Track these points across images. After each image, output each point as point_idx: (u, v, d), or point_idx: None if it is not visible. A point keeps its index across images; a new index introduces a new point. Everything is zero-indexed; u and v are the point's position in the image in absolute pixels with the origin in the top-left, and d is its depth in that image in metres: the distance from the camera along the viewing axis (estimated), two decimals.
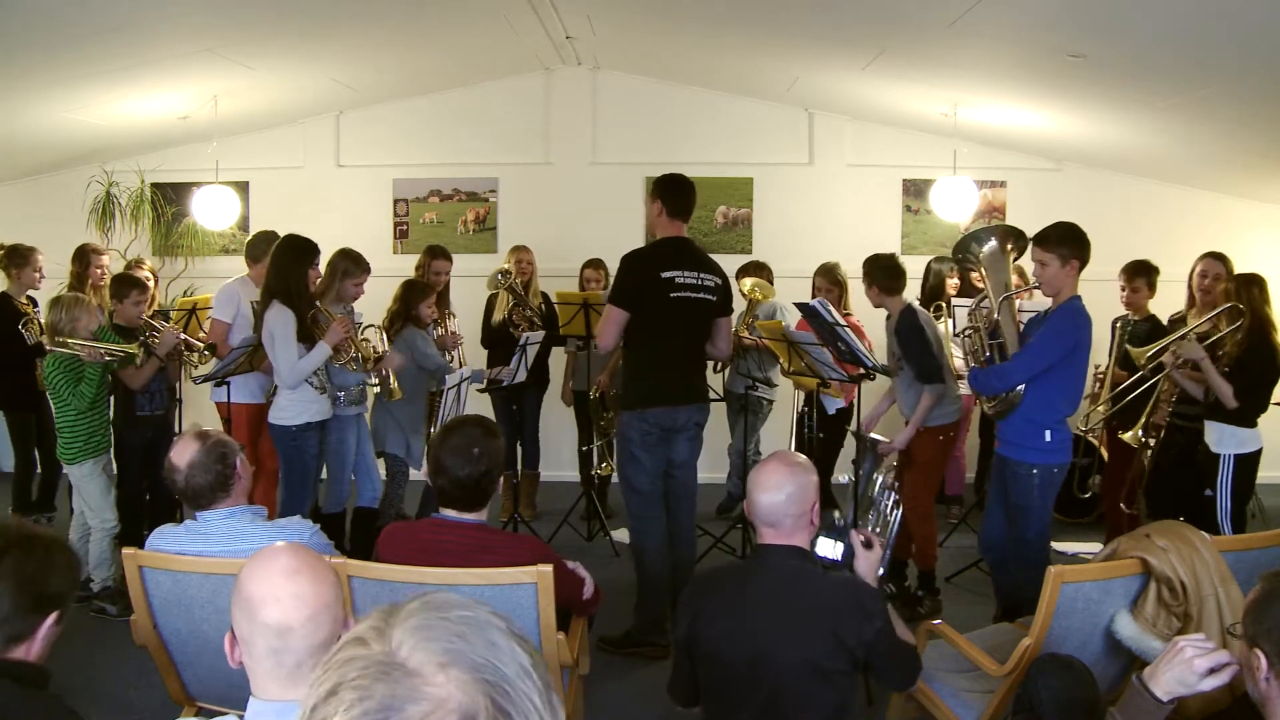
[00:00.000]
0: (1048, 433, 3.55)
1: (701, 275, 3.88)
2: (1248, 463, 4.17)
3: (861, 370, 4.16)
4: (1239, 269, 4.51)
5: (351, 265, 4.40)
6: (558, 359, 5.89)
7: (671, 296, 3.82)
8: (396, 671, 0.76)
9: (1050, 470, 3.57)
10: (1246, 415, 4.13)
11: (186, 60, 5.02)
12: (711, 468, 6.36)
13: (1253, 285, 4.16)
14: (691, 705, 2.41)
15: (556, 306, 5.37)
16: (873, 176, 6.75)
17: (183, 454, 2.52)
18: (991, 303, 3.77)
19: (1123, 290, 4.80)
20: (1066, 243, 3.53)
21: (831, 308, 4.16)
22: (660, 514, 3.98)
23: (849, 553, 2.42)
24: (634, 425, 3.90)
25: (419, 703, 0.74)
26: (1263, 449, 4.20)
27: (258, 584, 1.48)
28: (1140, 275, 4.75)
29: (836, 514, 2.53)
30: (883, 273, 4.28)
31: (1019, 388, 3.60)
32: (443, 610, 0.82)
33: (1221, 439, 4.19)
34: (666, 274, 3.82)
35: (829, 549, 2.41)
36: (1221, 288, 4.30)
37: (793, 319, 4.87)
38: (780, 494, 2.19)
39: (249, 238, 5.04)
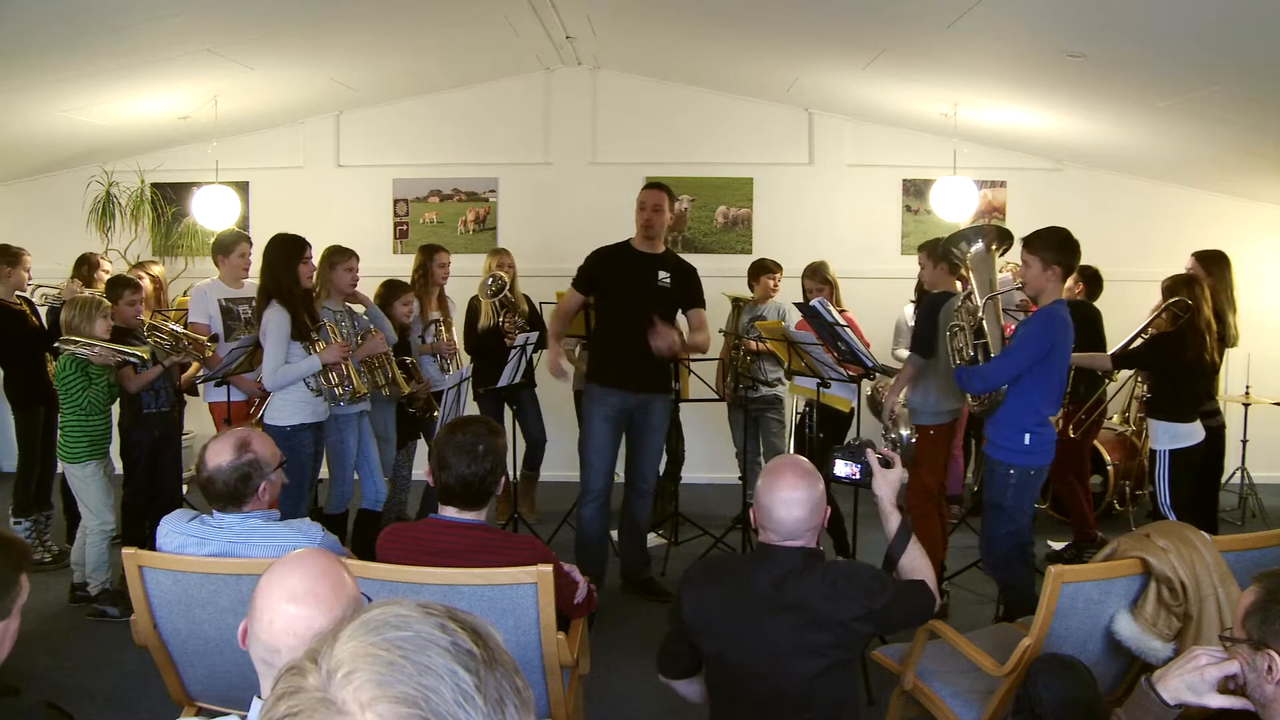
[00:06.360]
0: (1027, 436, 3.55)
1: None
2: (1182, 457, 4.25)
3: (862, 370, 4.16)
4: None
5: (336, 255, 4.42)
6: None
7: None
8: (323, 709, 0.75)
9: (1027, 472, 3.57)
10: (1180, 411, 4.25)
11: (186, 60, 5.02)
12: (714, 468, 6.39)
13: (1193, 284, 4.27)
14: (676, 678, 2.37)
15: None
16: (873, 176, 6.75)
17: (216, 454, 2.53)
18: (975, 301, 3.75)
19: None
20: (1051, 249, 3.55)
21: (831, 307, 4.15)
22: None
23: (866, 472, 2.37)
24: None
25: None
26: (1201, 443, 4.26)
27: (264, 596, 1.48)
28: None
29: (852, 435, 2.47)
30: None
31: (1003, 388, 3.61)
32: (378, 632, 0.79)
33: (1157, 436, 4.31)
34: None
35: (844, 469, 2.37)
36: (1166, 284, 4.40)
37: (793, 319, 4.88)
38: (802, 509, 2.13)
39: (213, 238, 5.08)
